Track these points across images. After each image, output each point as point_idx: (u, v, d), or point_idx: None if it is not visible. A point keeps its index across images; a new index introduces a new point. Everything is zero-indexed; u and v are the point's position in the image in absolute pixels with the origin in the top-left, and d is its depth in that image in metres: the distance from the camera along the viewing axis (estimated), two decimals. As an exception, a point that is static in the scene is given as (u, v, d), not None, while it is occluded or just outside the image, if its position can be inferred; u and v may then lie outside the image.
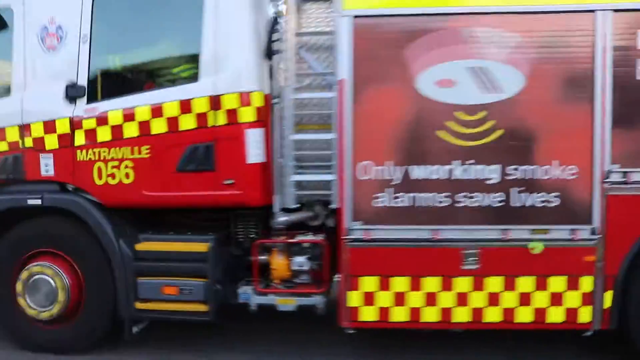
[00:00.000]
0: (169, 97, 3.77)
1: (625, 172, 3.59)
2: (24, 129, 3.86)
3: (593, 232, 3.63)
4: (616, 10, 3.55)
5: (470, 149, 3.66)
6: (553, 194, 3.65)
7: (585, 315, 3.70)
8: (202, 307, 3.80)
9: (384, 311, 3.77)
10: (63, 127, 3.83)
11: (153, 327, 4.23)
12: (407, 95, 3.66)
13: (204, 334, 4.44)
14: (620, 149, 3.59)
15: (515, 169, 3.65)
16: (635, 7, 3.56)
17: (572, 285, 3.68)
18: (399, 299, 3.75)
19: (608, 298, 3.67)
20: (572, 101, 3.60)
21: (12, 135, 3.89)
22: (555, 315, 3.69)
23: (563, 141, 3.62)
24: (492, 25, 3.62)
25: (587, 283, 3.67)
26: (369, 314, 3.78)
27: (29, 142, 3.87)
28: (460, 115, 3.65)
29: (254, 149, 3.76)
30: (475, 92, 3.63)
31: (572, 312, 3.69)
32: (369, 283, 3.76)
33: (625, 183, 3.60)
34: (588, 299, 3.68)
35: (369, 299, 3.77)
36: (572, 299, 3.68)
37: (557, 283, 3.68)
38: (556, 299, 3.69)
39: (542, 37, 3.61)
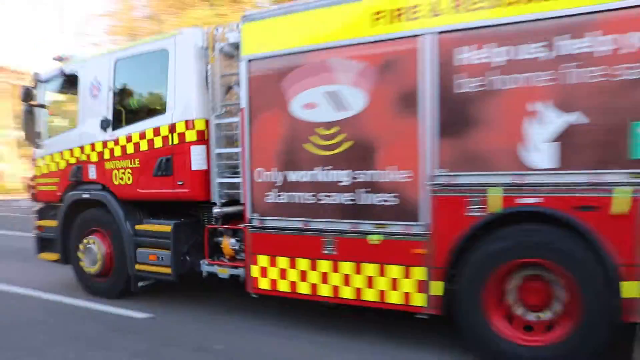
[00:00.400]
0: (148, 125, 5.70)
1: (449, 176, 4.16)
2: (82, 149, 6.26)
3: (422, 229, 4.28)
4: (439, 33, 4.16)
5: (328, 157, 4.68)
6: (391, 195, 4.42)
7: (419, 300, 4.35)
8: (168, 270, 5.62)
9: (273, 282, 5.02)
10: (99, 147, 6.11)
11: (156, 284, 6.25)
12: (284, 117, 4.86)
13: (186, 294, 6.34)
14: (446, 155, 4.17)
15: (362, 174, 4.54)
16: (453, 28, 4.11)
17: (407, 273, 4.37)
18: (283, 273, 4.96)
19: (439, 287, 4.26)
20: (405, 115, 4.32)
21: (77, 153, 6.33)
22: (395, 298, 4.43)
23: (398, 149, 4.37)
24: (339, 55, 4.58)
25: (419, 272, 4.33)
26: (264, 284, 5.07)
27: (83, 157, 6.25)
28: (320, 130, 4.69)
29: (196, 160, 5.43)
30: (330, 112, 4.63)
31: (408, 297, 4.38)
32: (263, 260, 5.06)
33: (449, 186, 4.17)
34: (421, 286, 4.33)
35: (264, 272, 5.06)
36: (407, 285, 4.38)
37: (394, 270, 4.42)
38: (394, 284, 4.43)
39: (379, 62, 4.41)
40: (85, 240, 6.26)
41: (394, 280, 4.43)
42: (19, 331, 5.23)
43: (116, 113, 5.99)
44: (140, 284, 6.01)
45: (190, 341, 4.89)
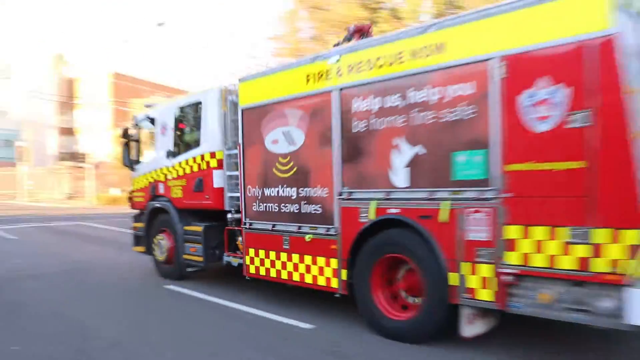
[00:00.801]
0: (190, 155, 8.17)
1: (349, 192, 5.86)
2: (156, 172, 8.97)
3: (335, 230, 6.02)
4: (340, 89, 5.91)
5: (284, 179, 6.63)
6: (318, 205, 6.23)
7: (335, 283, 6.07)
8: (201, 259, 8.00)
9: (257, 268, 7.06)
10: (165, 171, 8.75)
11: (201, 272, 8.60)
12: (261, 150, 6.91)
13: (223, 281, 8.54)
14: (347, 177, 5.89)
15: (303, 191, 6.40)
16: (348, 85, 5.83)
17: (328, 263, 6.12)
18: (262, 262, 6.98)
19: (345, 274, 5.94)
20: (325, 148, 6.10)
21: (154, 175, 9.06)
22: (322, 281, 6.20)
23: (322, 173, 6.17)
24: (289, 105, 6.50)
25: (334, 263, 6.05)
26: (252, 269, 7.15)
27: (157, 177, 8.95)
28: (280, 159, 6.67)
29: (216, 180, 7.73)
30: (286, 146, 6.58)
31: (329, 280, 6.12)
32: (251, 252, 7.14)
33: (349, 199, 5.87)
34: (335, 273, 6.05)
35: (252, 260, 7.14)
36: (328, 272, 6.12)
37: (321, 261, 6.19)
38: (321, 271, 6.19)
39: (310, 110, 6.26)
40: (157, 237, 8.94)
41: (321, 268, 6.20)
42: (190, 330, 5.93)
43: (175, 146, 8.57)
44: (188, 269, 8.47)
45: (354, 354, 5.16)
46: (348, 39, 6.66)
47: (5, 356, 5.24)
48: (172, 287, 8.30)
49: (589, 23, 4.10)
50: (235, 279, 8.29)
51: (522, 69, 4.47)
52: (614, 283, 4.01)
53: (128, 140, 9.64)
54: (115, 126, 66.33)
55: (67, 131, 68.68)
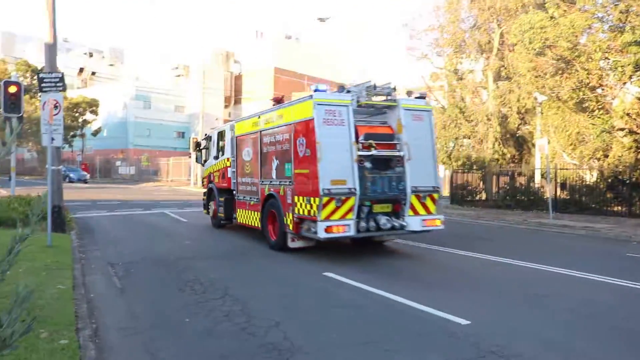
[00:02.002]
0: (221, 159, 16.38)
1: (262, 181, 13.36)
2: (211, 168, 17.27)
3: (257, 199, 13.61)
4: (261, 131, 13.41)
5: (247, 173, 14.46)
6: (255, 187, 13.87)
7: (257, 224, 13.58)
8: (223, 215, 16.15)
9: (240, 219, 14.87)
10: (213, 167, 17.02)
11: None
12: (241, 159, 14.84)
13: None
14: (262, 174, 13.38)
15: (251, 180, 14.08)
16: (263, 130, 13.32)
17: (256, 214, 13.69)
18: (240, 215, 14.87)
19: (259, 218, 13.45)
20: (255, 159, 13.66)
21: (209, 169, 17.41)
22: (255, 223, 13.78)
23: (255, 171, 13.80)
24: (249, 137, 14.19)
25: (257, 214, 13.61)
26: (239, 220, 15.10)
27: (210, 171, 17.26)
28: (246, 164, 14.51)
29: (229, 173, 15.70)
30: (247, 157, 14.37)
31: (256, 222, 13.67)
32: (238, 210, 15.11)
33: (262, 184, 13.37)
34: (258, 219, 13.57)
35: (239, 215, 15.04)
36: (256, 218, 13.67)
37: (255, 214, 13.81)
38: (255, 218, 13.76)
39: (254, 140, 13.85)
40: (209, 203, 17.25)
41: (255, 217, 13.77)
42: (348, 318, 6.48)
43: (216, 153, 16.70)
44: (222, 222, 16.51)
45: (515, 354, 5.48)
46: (273, 103, 13.91)
47: (179, 326, 6.40)
48: (330, 274, 9.52)
49: (308, 113, 11.06)
50: (385, 269, 10.21)
51: (298, 128, 11.54)
52: (314, 220, 10.94)
53: (199, 148, 18.10)
54: (274, 118, 78.48)
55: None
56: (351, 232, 10.68)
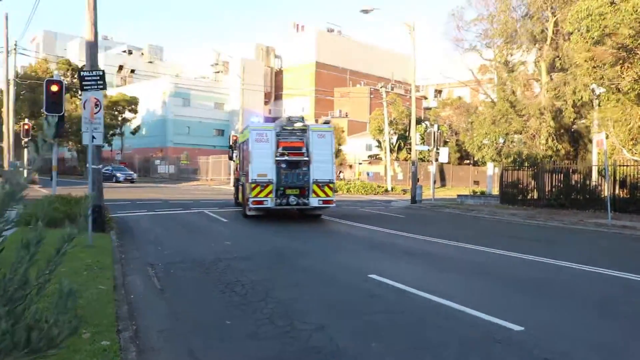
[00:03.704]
0: (236, 157, 18.73)
1: (244, 174, 14.60)
2: (235, 163, 19.18)
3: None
4: (244, 141, 13.64)
5: (239, 170, 15.05)
6: (244, 177, 14.72)
7: (242, 201, 13.73)
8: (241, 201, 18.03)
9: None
10: (237, 161, 18.27)
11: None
12: (240, 159, 17.08)
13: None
14: (242, 170, 15.09)
15: (242, 173, 14.54)
16: (245, 140, 13.60)
17: (244, 194, 13.95)
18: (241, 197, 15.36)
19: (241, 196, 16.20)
20: (243, 160, 15.00)
21: (236, 162, 18.45)
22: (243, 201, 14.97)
23: (243, 168, 14.89)
24: (242, 144, 15.95)
25: (241, 195, 14.05)
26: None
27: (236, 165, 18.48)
28: (243, 164, 14.92)
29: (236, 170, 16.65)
30: (241, 159, 15.36)
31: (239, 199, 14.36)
32: (239, 194, 15.68)
33: (244, 176, 15.79)
34: (244, 198, 14.33)
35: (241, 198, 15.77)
36: (241, 197, 14.00)
37: (243, 195, 14.05)
38: (245, 198, 14.16)
39: (242, 147, 14.25)
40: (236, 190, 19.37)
41: (240, 197, 17.61)
42: (396, 321, 6.46)
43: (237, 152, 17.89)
44: (237, 202, 19.65)
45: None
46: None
47: (220, 328, 6.51)
48: (375, 276, 9.47)
49: (247, 135, 18.17)
50: (434, 273, 10.25)
51: (246, 144, 16.07)
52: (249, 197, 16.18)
53: (233, 148, 19.71)
54: (316, 115, 78.39)
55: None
56: (269, 205, 18.05)
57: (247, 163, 18.38)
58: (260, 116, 20.07)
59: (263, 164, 17.90)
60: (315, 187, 18.38)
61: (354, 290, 8.62)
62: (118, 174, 52.03)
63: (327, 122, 21.30)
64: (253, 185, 17.81)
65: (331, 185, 18.64)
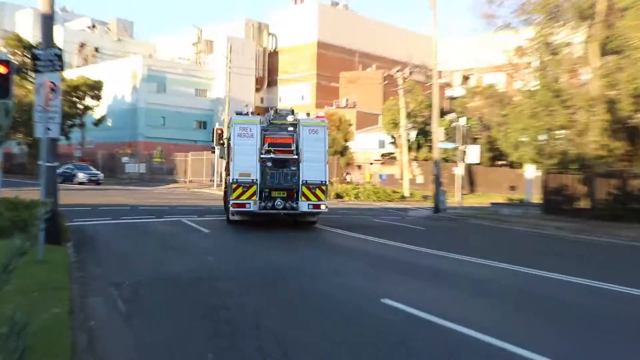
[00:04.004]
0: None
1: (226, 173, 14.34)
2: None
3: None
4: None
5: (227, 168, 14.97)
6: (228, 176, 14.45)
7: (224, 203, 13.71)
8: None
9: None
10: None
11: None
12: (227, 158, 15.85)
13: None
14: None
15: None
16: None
17: (230, 194, 13.98)
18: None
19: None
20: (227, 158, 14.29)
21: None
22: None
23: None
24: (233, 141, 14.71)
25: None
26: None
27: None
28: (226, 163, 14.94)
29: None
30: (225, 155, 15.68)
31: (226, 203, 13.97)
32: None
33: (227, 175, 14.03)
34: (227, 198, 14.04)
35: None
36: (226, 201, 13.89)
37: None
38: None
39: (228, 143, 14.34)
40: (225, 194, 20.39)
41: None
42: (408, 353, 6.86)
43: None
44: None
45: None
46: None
47: None
48: (389, 301, 9.36)
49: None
50: (457, 295, 10.42)
51: (230, 139, 18.61)
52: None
53: (222, 144, 19.56)
54: (317, 105, 78.37)
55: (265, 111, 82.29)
56: (251, 209, 19.00)
57: (230, 161, 19.86)
58: (250, 106, 20.59)
59: (246, 162, 18.95)
60: (305, 190, 19.13)
61: (363, 318, 8.54)
62: (80, 174, 51.71)
63: (319, 117, 22.59)
64: (234, 185, 18.81)
65: (323, 187, 19.38)
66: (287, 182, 19.23)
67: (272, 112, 21.10)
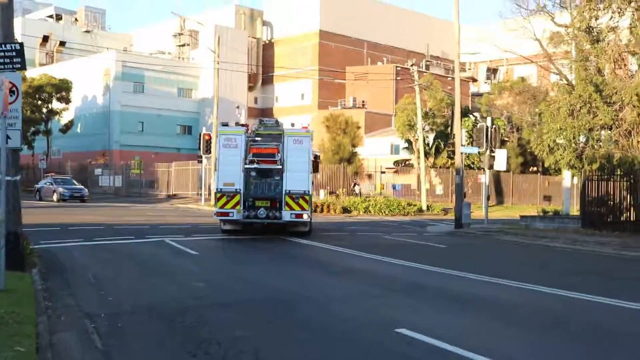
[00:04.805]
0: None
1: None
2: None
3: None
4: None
5: None
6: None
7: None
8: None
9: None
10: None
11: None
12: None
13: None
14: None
15: None
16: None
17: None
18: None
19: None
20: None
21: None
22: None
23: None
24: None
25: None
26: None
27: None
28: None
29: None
30: None
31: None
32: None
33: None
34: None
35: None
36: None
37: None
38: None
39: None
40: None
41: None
42: None
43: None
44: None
45: None
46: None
47: None
48: (404, 331, 9.47)
49: None
50: (485, 323, 10.46)
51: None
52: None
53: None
54: (319, 105, 78.35)
55: (259, 112, 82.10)
56: (235, 217, 22.46)
57: (215, 171, 23.96)
58: (242, 108, 21.24)
59: (230, 171, 22.51)
60: (288, 199, 22.35)
61: (375, 352, 8.51)
62: (61, 189, 49.99)
63: (304, 127, 25.01)
64: (219, 195, 22.55)
65: (306, 197, 22.53)
66: (270, 191, 22.72)
67: (258, 122, 25.25)
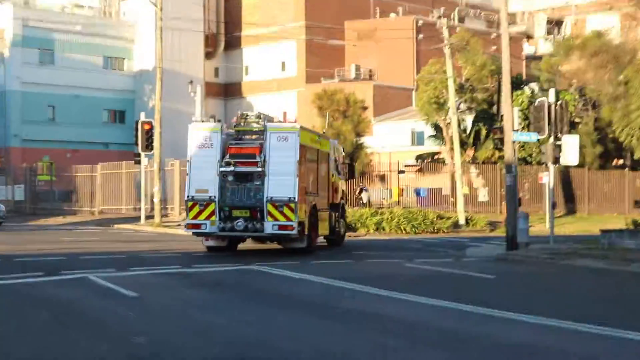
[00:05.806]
0: None
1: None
2: None
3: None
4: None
5: None
6: None
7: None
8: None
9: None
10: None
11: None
12: None
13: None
14: None
15: None
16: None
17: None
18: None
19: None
20: None
21: None
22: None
23: None
24: None
25: None
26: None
27: None
28: None
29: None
30: None
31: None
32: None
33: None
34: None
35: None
36: None
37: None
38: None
39: None
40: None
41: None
42: None
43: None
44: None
45: None
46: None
47: None
48: None
49: None
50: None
51: None
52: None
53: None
54: (308, 78, 78.10)
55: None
56: (208, 230, 25.83)
57: (186, 175, 26.91)
58: (197, 83, 21.14)
59: (204, 175, 25.49)
60: (270, 208, 25.40)
61: None
62: None
63: (290, 122, 28.72)
64: (190, 204, 25.71)
65: (292, 205, 25.26)
66: (249, 199, 25.99)
67: (238, 116, 27.68)
